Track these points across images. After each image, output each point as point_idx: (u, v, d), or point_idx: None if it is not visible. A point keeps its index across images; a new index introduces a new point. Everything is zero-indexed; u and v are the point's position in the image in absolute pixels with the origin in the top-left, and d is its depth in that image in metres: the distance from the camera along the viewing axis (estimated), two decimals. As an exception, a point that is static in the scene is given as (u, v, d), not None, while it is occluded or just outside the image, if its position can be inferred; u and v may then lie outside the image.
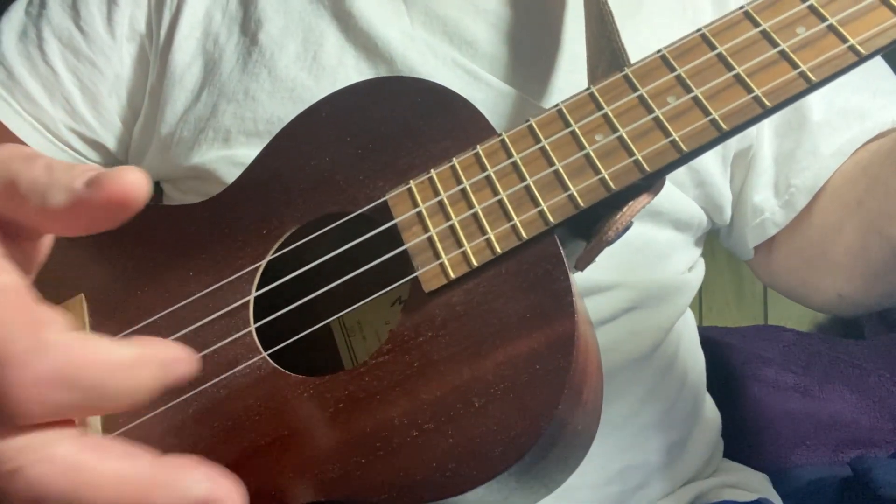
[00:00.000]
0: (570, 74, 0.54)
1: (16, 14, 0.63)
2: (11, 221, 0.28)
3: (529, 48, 0.55)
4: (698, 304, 1.03)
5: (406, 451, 0.34)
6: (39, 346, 0.24)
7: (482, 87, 0.54)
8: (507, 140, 0.40)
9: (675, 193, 0.57)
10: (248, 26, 0.58)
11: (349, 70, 0.55)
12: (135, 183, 0.26)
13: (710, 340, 0.77)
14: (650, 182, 0.37)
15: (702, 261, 0.66)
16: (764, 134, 0.61)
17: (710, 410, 0.69)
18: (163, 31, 0.60)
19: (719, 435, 0.69)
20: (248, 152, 0.54)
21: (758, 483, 0.66)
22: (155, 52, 0.60)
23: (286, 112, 0.53)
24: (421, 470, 0.34)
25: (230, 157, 0.56)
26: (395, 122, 0.45)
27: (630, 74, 0.39)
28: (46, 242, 0.31)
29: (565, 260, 0.36)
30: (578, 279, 0.42)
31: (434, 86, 0.45)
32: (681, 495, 0.62)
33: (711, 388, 0.70)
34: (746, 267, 0.71)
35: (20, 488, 0.24)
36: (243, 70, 0.57)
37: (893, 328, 0.86)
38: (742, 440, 0.72)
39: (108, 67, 0.61)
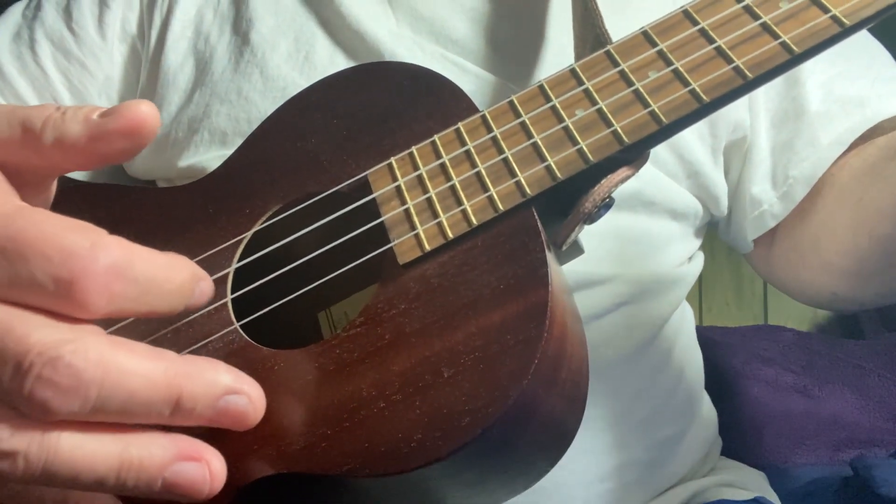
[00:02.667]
0: (558, 67, 0.54)
1: (12, 16, 0.63)
2: (20, 169, 0.30)
3: (515, 42, 0.55)
4: (698, 304, 1.03)
5: (372, 422, 0.34)
6: (101, 242, 0.26)
7: (471, 78, 0.54)
8: (487, 116, 0.39)
9: (668, 183, 0.57)
10: (240, 26, 0.58)
11: (340, 69, 0.55)
12: (148, 112, 0.29)
13: (710, 340, 0.77)
14: (630, 156, 0.36)
15: (700, 252, 0.65)
16: (760, 125, 0.60)
17: (707, 408, 0.68)
18: (154, 33, 0.60)
19: (716, 433, 0.68)
20: None
21: (755, 482, 0.65)
22: (146, 53, 0.60)
23: None
24: (386, 441, 0.33)
25: (226, 156, 0.56)
26: (379, 105, 0.44)
27: (612, 51, 0.38)
28: (51, 193, 0.33)
29: (542, 232, 0.36)
30: (572, 273, 0.41)
31: (418, 68, 0.45)
32: (677, 493, 0.61)
33: (711, 387, 0.70)
34: (746, 266, 0.70)
35: (59, 376, 0.25)
36: (235, 70, 0.57)
37: (893, 328, 0.84)
38: (742, 440, 0.71)
39: (99, 69, 0.61)
